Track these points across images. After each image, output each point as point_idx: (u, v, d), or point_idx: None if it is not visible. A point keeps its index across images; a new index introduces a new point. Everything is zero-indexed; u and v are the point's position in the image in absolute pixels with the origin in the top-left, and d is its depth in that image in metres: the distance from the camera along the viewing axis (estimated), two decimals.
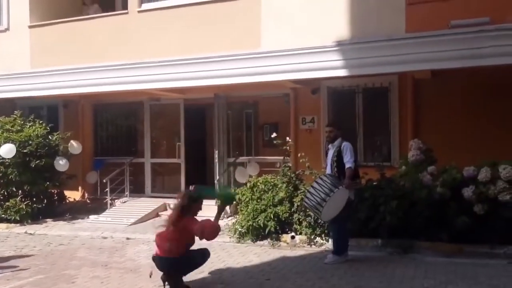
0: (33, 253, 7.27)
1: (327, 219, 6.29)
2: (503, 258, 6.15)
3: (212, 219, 5.19)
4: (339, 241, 6.30)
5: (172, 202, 5.19)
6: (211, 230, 5.07)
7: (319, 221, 7.07)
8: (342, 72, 7.62)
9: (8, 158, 9.42)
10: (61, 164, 9.76)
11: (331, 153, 6.36)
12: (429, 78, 8.08)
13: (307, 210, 6.94)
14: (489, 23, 6.83)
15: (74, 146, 10.10)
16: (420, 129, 8.35)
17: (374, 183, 7.26)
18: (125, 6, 9.96)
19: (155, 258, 5.22)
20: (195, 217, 5.24)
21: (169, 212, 5.42)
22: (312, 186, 6.06)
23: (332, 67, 7.62)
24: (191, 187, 5.60)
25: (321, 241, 7.14)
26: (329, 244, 6.88)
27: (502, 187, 6.28)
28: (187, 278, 5.34)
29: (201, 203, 5.34)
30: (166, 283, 5.18)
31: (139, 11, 9.47)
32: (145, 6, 9.48)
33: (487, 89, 7.91)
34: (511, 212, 6.24)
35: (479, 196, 6.34)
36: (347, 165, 6.13)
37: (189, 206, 5.19)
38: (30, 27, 10.49)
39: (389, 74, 8.10)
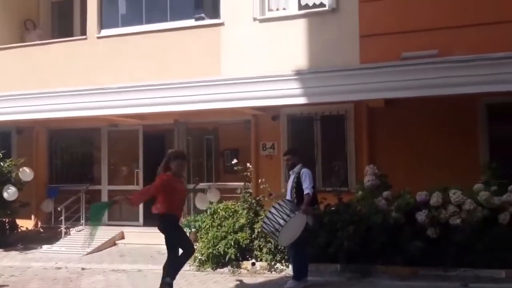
0: None
1: (284, 244, 6.37)
2: (455, 280, 6.35)
3: None
4: (299, 266, 6.35)
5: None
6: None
7: (279, 247, 7.11)
8: (301, 100, 7.82)
9: None
10: (9, 193, 9.34)
11: (291, 179, 6.49)
12: (382, 107, 8.40)
13: (267, 236, 6.97)
14: (437, 56, 7.23)
15: (27, 172, 9.74)
16: (375, 155, 8.61)
17: (332, 208, 7.41)
18: (83, 32, 9.89)
19: None
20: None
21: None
22: (270, 211, 6.11)
23: (291, 95, 7.80)
24: None
25: (282, 267, 7.17)
26: (289, 270, 6.92)
27: (452, 211, 6.55)
28: None
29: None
30: None
31: (98, 37, 9.43)
32: (104, 32, 9.45)
33: (437, 116, 8.28)
34: (461, 236, 6.50)
35: (431, 220, 6.59)
36: (305, 191, 6.23)
37: None
38: None
39: (345, 102, 8.38)
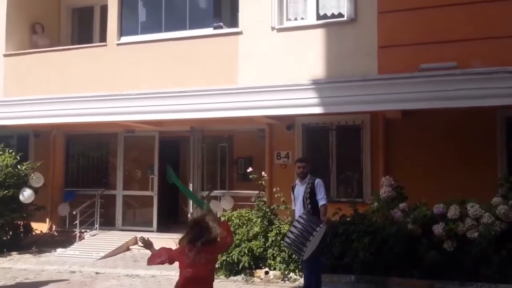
0: None
1: (307, 258, 6.20)
2: None
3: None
4: (318, 277, 6.24)
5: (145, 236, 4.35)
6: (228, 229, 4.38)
7: (293, 257, 7.08)
8: (317, 110, 7.82)
9: None
10: (25, 195, 9.44)
11: (301, 189, 6.34)
12: (399, 118, 8.37)
13: (282, 246, 6.91)
14: (456, 68, 7.20)
15: (37, 178, 9.78)
16: (391, 166, 8.56)
17: (348, 219, 7.37)
18: (103, 39, 10.04)
19: None
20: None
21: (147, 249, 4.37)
22: (294, 226, 5.93)
23: (307, 104, 7.81)
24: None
25: (295, 276, 7.13)
26: (302, 280, 6.86)
27: (470, 224, 6.48)
28: None
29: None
30: None
31: (117, 44, 9.56)
32: (124, 39, 9.58)
33: (455, 128, 8.23)
34: (479, 249, 6.42)
35: (448, 233, 6.52)
36: (322, 202, 6.16)
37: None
38: (5, 55, 10.40)
39: (361, 113, 8.36)
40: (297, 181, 6.45)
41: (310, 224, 5.86)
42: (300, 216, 6.02)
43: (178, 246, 4.13)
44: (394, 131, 8.68)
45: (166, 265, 7.75)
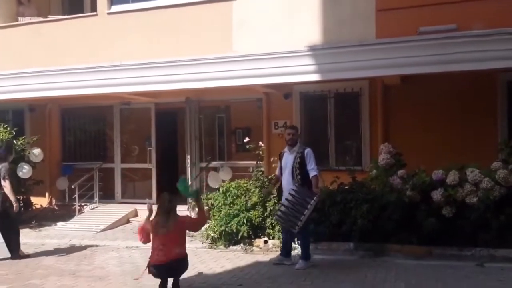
0: None
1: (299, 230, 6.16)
2: (471, 260, 6.27)
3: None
4: (307, 246, 6.28)
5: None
6: (204, 221, 5.73)
7: None
8: (314, 77, 7.66)
9: None
10: (23, 172, 9.38)
11: (290, 158, 6.23)
12: (398, 84, 8.22)
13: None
14: (456, 30, 7.00)
15: (36, 154, 9.70)
16: (390, 134, 8.47)
17: (346, 187, 7.32)
18: (93, 8, 9.78)
19: (160, 267, 5.10)
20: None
21: (143, 218, 5.55)
22: (286, 199, 5.90)
23: (304, 71, 7.64)
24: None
25: (294, 245, 7.11)
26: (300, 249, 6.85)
27: (469, 190, 6.42)
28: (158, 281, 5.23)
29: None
30: None
31: (108, 13, 9.32)
32: (115, 8, 9.33)
33: (454, 94, 8.09)
34: (478, 215, 6.38)
35: (447, 199, 6.47)
36: (313, 173, 6.11)
37: (174, 206, 5.36)
38: None
39: (360, 79, 8.22)
40: (286, 149, 6.35)
41: (303, 197, 5.82)
42: (292, 189, 5.95)
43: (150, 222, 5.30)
44: (393, 98, 8.54)
45: None
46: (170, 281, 5.25)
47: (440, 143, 8.00)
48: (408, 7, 7.40)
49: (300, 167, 6.13)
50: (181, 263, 5.25)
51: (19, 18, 10.37)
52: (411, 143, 7.93)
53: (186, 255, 5.31)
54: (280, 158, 6.44)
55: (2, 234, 7.24)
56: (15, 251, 7.17)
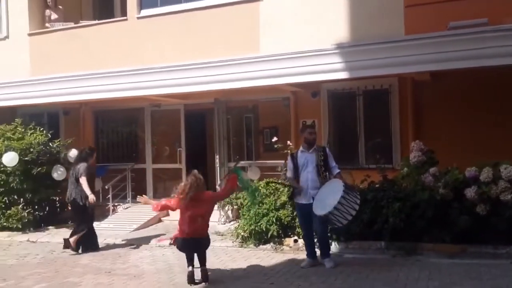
0: (36, 261, 7.26)
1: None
2: (506, 258, 6.14)
3: None
4: (328, 241, 6.43)
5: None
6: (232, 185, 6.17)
7: None
8: (342, 75, 7.63)
9: (10, 166, 9.41)
10: (59, 174, 9.67)
11: (311, 157, 6.23)
12: (428, 80, 8.09)
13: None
14: (487, 24, 6.85)
15: (72, 157, 9.97)
16: (421, 131, 8.35)
17: (376, 186, 7.27)
18: (124, 11, 10.00)
19: (189, 240, 5.58)
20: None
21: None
22: (343, 197, 5.83)
23: (332, 69, 7.62)
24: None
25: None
26: (332, 247, 6.84)
27: (503, 186, 6.28)
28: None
29: None
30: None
31: (138, 18, 9.50)
32: (144, 12, 9.51)
33: (486, 89, 7.92)
34: None
35: (481, 196, 6.35)
36: (337, 170, 6.27)
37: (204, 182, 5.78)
38: (30, 34, 10.53)
39: (389, 76, 8.13)
40: (302, 149, 6.36)
41: (354, 194, 5.98)
42: (344, 186, 5.91)
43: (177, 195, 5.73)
44: (423, 94, 8.43)
45: None
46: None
47: (471, 140, 7.84)
48: (437, 2, 7.27)
49: (324, 164, 6.22)
50: (207, 237, 5.76)
51: (46, 21, 10.60)
52: (443, 140, 7.81)
53: (208, 233, 5.81)
54: (293, 158, 6.36)
55: (78, 226, 7.87)
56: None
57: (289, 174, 6.43)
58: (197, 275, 5.66)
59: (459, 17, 7.08)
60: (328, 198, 5.91)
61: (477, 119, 7.93)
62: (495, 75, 7.54)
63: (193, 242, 5.60)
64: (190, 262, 5.65)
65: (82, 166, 7.80)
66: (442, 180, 6.59)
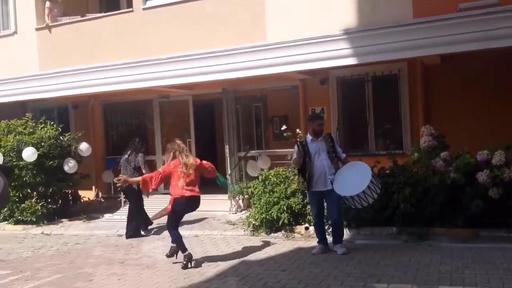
0: (51, 253, 7.36)
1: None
2: None
3: None
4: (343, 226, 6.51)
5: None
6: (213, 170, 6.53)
7: None
8: (351, 61, 7.58)
9: (23, 161, 9.51)
10: (70, 166, 9.77)
11: (321, 145, 6.27)
12: (438, 64, 7.99)
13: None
14: (497, 5, 6.72)
15: (83, 151, 10.07)
16: (431, 116, 8.27)
17: (387, 171, 7.23)
18: (129, 4, 9.99)
19: (189, 199, 6.06)
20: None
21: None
22: (372, 182, 5.95)
23: (340, 56, 7.57)
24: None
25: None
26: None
27: None
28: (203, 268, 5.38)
29: None
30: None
31: (144, 9, 9.48)
32: (150, 3, 9.48)
33: (497, 72, 7.81)
34: None
35: (493, 180, 6.29)
36: (345, 155, 6.43)
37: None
38: (37, 29, 10.56)
39: (398, 61, 8.04)
40: (310, 138, 6.36)
41: (377, 180, 6.14)
42: (374, 177, 6.06)
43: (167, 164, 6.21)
44: (433, 78, 8.33)
45: (208, 225, 8.13)
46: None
47: (482, 123, 7.76)
48: None
49: (334, 151, 6.34)
50: (199, 198, 6.26)
51: (46, 15, 10.49)
52: (454, 124, 7.73)
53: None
54: (302, 146, 6.34)
55: (133, 214, 8.27)
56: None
57: (295, 155, 6.36)
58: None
59: None
60: (354, 180, 5.99)
61: (487, 102, 7.83)
62: (507, 56, 7.42)
63: (193, 200, 6.15)
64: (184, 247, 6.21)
65: (141, 157, 8.37)
66: (453, 164, 6.54)
